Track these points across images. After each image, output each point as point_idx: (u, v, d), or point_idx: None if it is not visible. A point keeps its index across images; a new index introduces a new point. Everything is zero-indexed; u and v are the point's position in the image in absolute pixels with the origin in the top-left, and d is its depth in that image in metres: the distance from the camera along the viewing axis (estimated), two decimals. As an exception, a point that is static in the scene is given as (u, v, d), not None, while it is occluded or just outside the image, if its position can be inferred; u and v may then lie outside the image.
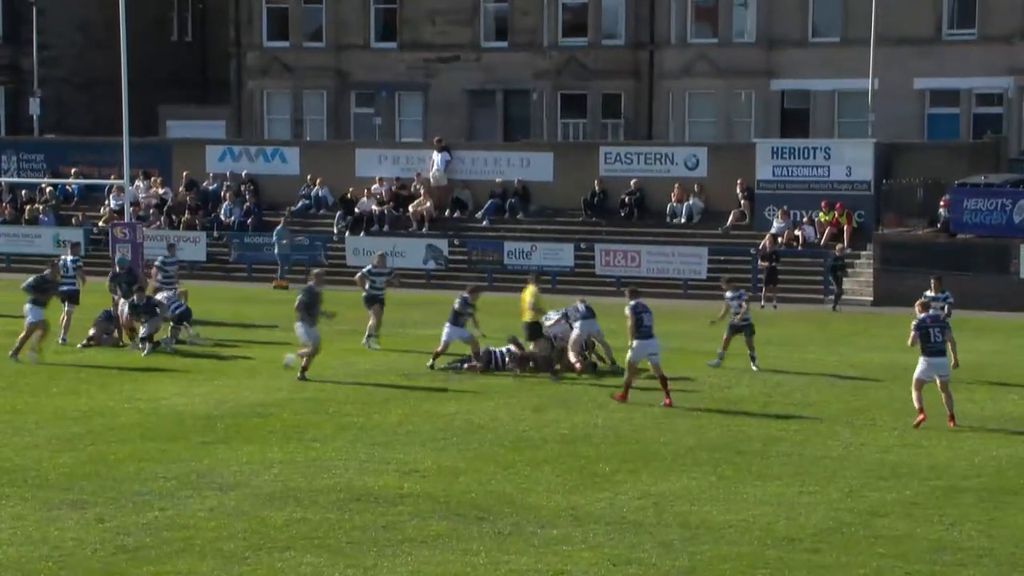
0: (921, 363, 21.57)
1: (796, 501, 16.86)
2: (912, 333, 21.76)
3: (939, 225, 41.21)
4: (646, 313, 23.28)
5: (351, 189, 47.68)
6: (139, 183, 49.03)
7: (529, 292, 26.77)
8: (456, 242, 45.43)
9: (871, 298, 40.37)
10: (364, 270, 31.29)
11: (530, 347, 26.81)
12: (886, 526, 15.80)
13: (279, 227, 45.13)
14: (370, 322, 30.33)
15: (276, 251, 44.77)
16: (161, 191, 49.69)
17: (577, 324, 26.75)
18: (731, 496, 17.08)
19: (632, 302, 23.34)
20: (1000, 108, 50.04)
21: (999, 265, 38.88)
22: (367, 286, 30.54)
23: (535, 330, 26.67)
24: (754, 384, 25.62)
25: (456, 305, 27.19)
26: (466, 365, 26.78)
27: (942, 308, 26.44)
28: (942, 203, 41.22)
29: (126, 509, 16.19)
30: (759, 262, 40.48)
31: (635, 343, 23.16)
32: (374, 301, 30.39)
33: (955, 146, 46.89)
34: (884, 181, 42.86)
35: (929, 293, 26.99)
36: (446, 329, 27.05)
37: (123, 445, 19.71)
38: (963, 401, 23.91)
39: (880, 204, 42.83)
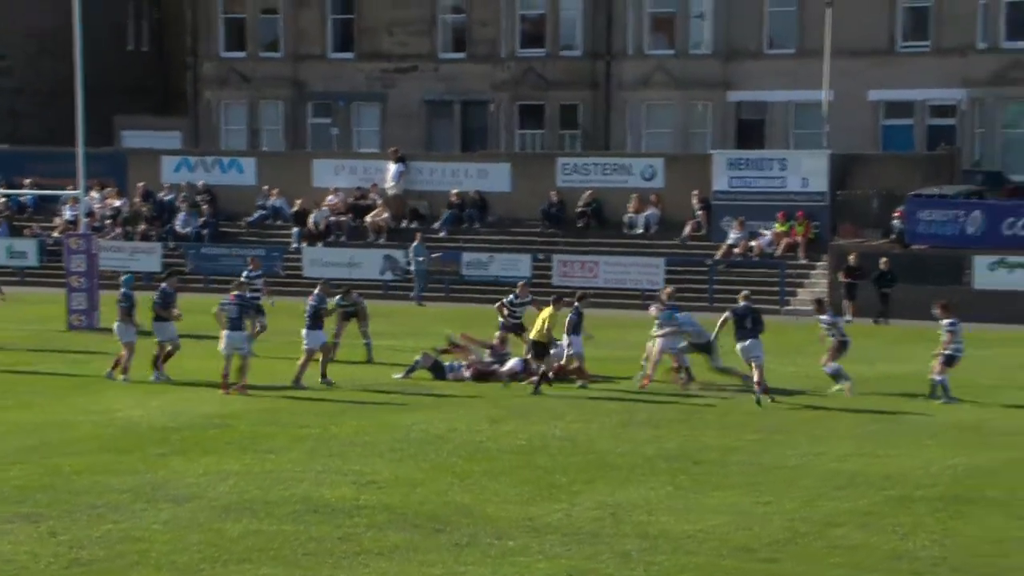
0: (737, 348, 24.85)
1: (753, 511, 16.90)
2: (725, 316, 25.29)
3: (894, 236, 41.47)
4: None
5: (299, 201, 47.43)
6: (94, 194, 48.73)
7: (548, 314, 26.13)
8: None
9: (827, 308, 40.51)
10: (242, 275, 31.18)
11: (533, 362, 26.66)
12: (842, 536, 15.86)
13: (415, 243, 43.09)
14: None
15: (413, 268, 42.72)
16: (117, 202, 49.42)
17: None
18: (688, 506, 17.10)
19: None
20: (954, 120, 50.46)
21: (953, 276, 39.12)
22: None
23: (542, 349, 26.01)
24: (711, 393, 25.68)
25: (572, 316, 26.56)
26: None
27: (829, 329, 26.21)
28: (897, 214, 41.48)
29: (80, 522, 16.06)
30: (839, 276, 38.85)
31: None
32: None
33: (909, 157, 47.22)
34: (839, 192, 43.11)
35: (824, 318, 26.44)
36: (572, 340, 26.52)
37: (78, 457, 19.57)
38: (918, 411, 24.07)
39: (835, 215, 43.06)
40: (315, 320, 26.44)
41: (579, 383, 26.42)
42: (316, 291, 27.11)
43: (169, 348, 26.66)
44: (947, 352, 25.19)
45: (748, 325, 25.15)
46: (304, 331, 26.39)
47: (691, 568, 14.58)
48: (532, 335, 26.38)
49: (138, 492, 17.47)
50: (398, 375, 27.21)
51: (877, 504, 17.32)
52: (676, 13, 52.17)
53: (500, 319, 28.71)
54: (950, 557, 15.07)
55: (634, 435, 21.66)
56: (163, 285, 27.32)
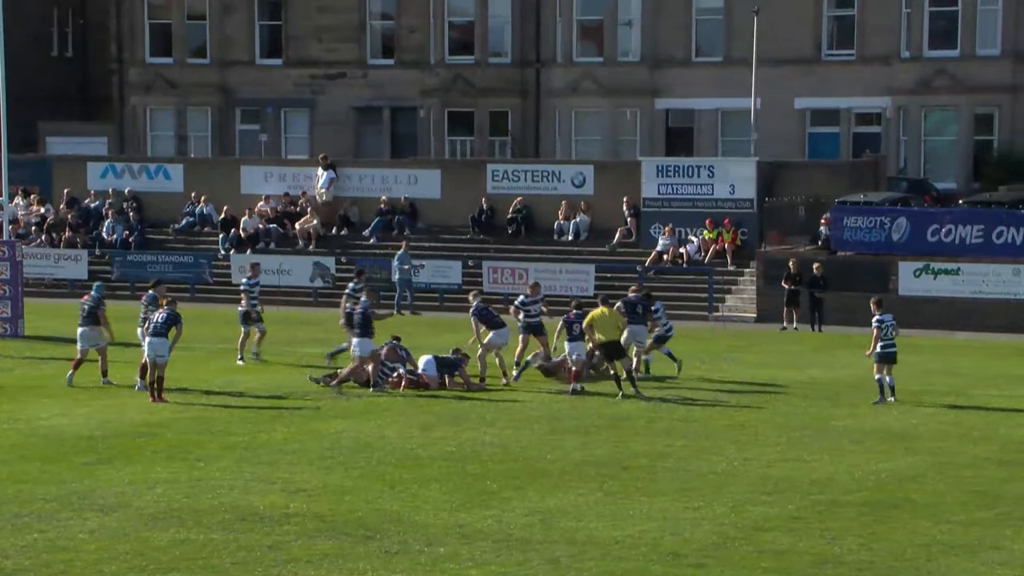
0: (625, 332, 27.07)
1: (682, 516, 17.00)
2: (618, 305, 27.31)
3: (820, 243, 41.85)
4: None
5: (226, 207, 47.10)
6: (18, 200, 48.22)
7: (609, 314, 26.44)
8: (343, 260, 45.21)
9: (754, 315, 40.87)
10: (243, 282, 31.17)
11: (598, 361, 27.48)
12: (770, 540, 15.98)
13: (400, 252, 42.37)
14: (243, 339, 30.28)
15: (396, 277, 41.80)
16: (42, 209, 48.90)
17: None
18: (618, 512, 17.17)
19: None
20: (878, 127, 51.06)
21: (879, 282, 39.54)
22: (245, 302, 30.46)
23: (616, 349, 26.34)
24: (640, 400, 25.79)
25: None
26: (333, 382, 26.61)
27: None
28: (823, 221, 41.88)
29: (4, 531, 15.88)
30: (783, 284, 38.70)
31: None
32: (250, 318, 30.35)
33: (835, 165, 47.77)
34: (766, 199, 43.47)
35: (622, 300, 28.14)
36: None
37: (2, 466, 19.35)
38: (844, 417, 24.32)
39: (763, 222, 43.41)
40: (366, 327, 26.26)
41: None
42: (363, 298, 27.18)
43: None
44: (879, 351, 25.65)
45: (639, 311, 27.87)
46: (354, 339, 26.44)
47: (620, 573, 14.64)
48: (601, 338, 26.28)
49: (64, 501, 17.30)
50: (315, 378, 27.05)
51: (804, 509, 17.47)
52: (604, 21, 52.42)
53: (518, 322, 28.59)
54: (877, 561, 15.23)
55: (563, 442, 21.71)
56: (150, 292, 27.35)
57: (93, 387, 26.51)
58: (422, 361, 27.22)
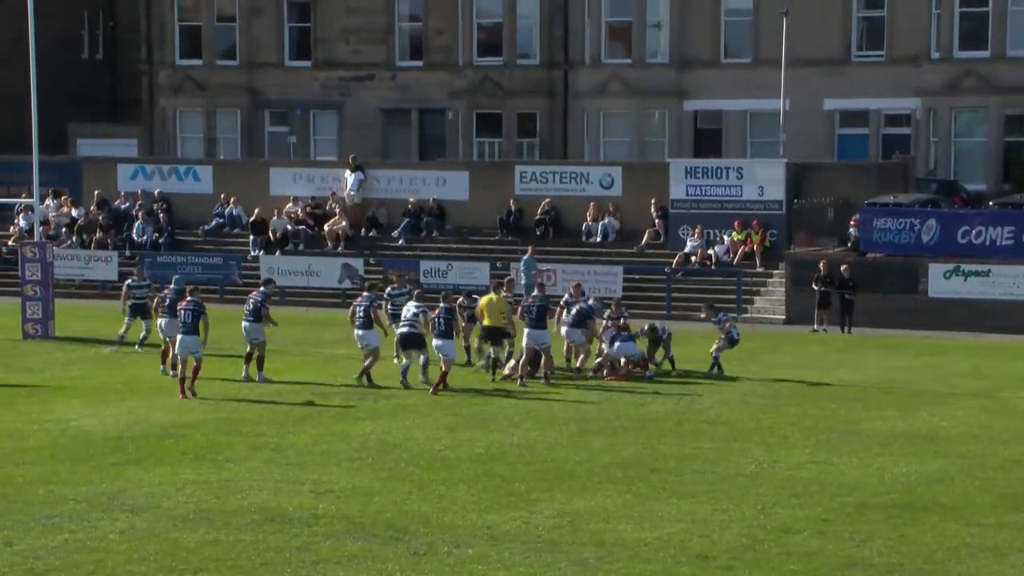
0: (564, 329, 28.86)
1: (710, 518, 16.97)
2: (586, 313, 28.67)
3: (849, 244, 41.73)
4: None
5: (257, 209, 47.21)
6: (49, 202, 48.48)
7: (497, 300, 28.23)
8: (372, 261, 45.30)
9: (783, 316, 40.79)
10: (386, 292, 30.54)
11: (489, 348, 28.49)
12: (798, 543, 15.95)
13: (526, 257, 41.74)
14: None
15: (524, 281, 39.89)
16: (72, 210, 49.14)
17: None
18: (645, 514, 17.16)
19: None
20: (908, 129, 50.88)
21: (908, 284, 39.43)
22: (389, 307, 29.83)
23: (500, 335, 28.26)
24: (668, 402, 25.79)
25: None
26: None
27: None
28: (852, 222, 41.75)
29: (35, 532, 15.97)
30: (813, 286, 38.50)
31: None
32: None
33: (864, 166, 47.61)
34: (795, 201, 43.37)
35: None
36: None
37: (32, 467, 19.44)
38: (873, 419, 24.24)
39: (791, 223, 43.31)
40: (582, 319, 28.21)
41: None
42: (591, 301, 29.37)
43: (258, 351, 27.42)
44: (724, 338, 29.40)
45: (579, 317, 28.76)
46: (565, 328, 28.36)
47: (648, 575, 14.65)
48: (487, 323, 28.15)
49: (93, 502, 17.38)
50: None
51: (833, 511, 17.42)
52: (632, 22, 52.38)
53: (560, 324, 29.48)
54: (906, 564, 15.18)
55: (591, 443, 21.71)
56: (262, 289, 28.42)
57: (121, 387, 26.64)
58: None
